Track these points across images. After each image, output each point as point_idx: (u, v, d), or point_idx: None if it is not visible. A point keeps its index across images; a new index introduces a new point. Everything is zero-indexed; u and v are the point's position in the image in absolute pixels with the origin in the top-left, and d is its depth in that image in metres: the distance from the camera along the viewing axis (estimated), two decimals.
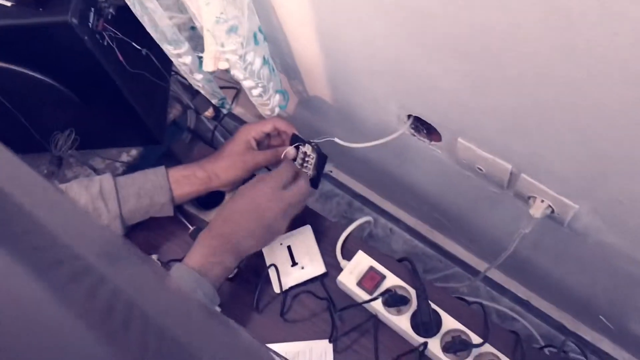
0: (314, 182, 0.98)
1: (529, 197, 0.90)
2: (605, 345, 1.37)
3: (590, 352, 0.84)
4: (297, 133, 0.97)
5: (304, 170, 0.95)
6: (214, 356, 0.18)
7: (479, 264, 1.54)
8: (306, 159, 0.97)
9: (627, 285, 0.97)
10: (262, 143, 0.99)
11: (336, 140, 0.97)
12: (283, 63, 1.09)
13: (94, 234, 0.21)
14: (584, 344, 1.38)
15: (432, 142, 0.99)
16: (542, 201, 0.87)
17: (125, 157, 1.17)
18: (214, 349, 0.18)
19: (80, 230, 0.20)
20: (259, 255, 0.97)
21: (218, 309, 0.87)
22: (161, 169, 0.94)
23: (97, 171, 1.15)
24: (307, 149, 0.97)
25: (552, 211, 0.87)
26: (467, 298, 0.99)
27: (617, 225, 0.81)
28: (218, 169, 0.94)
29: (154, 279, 0.21)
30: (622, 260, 0.90)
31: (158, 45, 0.93)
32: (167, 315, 0.18)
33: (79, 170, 1.15)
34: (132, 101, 0.98)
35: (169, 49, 0.91)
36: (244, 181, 0.93)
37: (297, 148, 0.96)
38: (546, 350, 0.93)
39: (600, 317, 1.23)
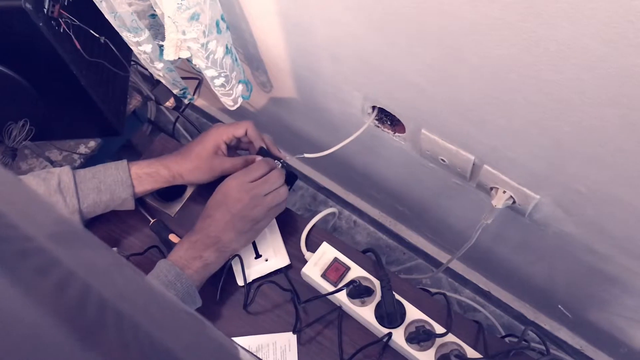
0: None
1: (491, 188, 0.91)
2: (563, 333, 1.41)
3: (549, 341, 0.85)
4: (264, 147, 0.95)
5: None
6: (185, 346, 0.17)
7: (442, 256, 1.56)
8: None
9: (584, 274, 1.00)
10: (231, 145, 0.97)
11: (306, 155, 0.98)
12: (246, 53, 1.08)
13: (47, 215, 0.20)
14: (543, 333, 1.41)
15: (397, 134, 0.99)
16: (504, 192, 0.88)
17: (83, 149, 1.14)
18: (183, 339, 0.18)
19: (31, 211, 0.19)
20: None
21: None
22: (123, 164, 0.91)
23: (53, 163, 1.12)
24: (277, 165, 0.94)
25: (514, 202, 0.89)
26: (430, 289, 0.99)
27: (577, 215, 0.82)
28: (183, 171, 0.92)
29: (115, 263, 0.20)
30: (580, 250, 0.92)
31: (117, 33, 0.90)
32: (129, 302, 0.17)
33: (34, 163, 1.11)
34: (90, 91, 0.96)
35: (128, 37, 0.89)
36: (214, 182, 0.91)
37: None
38: (507, 339, 0.94)
39: (559, 306, 1.26)
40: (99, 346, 0.16)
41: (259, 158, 0.93)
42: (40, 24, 0.80)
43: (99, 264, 0.19)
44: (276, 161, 0.94)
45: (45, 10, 0.81)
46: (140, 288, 0.20)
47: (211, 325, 0.27)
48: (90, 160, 1.14)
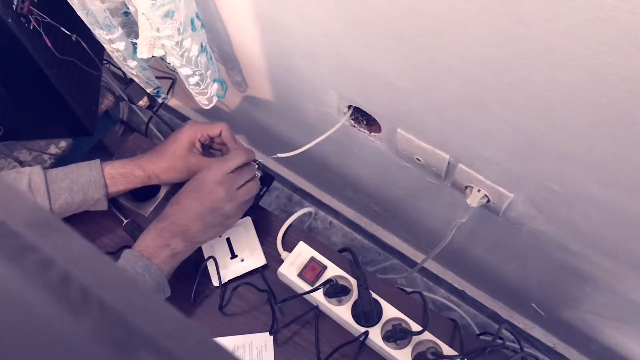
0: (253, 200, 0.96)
1: (466, 187, 0.91)
2: (537, 332, 1.43)
3: (522, 339, 0.87)
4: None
5: None
6: (167, 334, 0.17)
7: (417, 256, 1.57)
8: None
9: (557, 272, 1.01)
10: (204, 145, 0.96)
11: (279, 155, 0.98)
12: (221, 52, 1.07)
13: (21, 203, 0.19)
14: (517, 331, 1.43)
15: (372, 133, 0.99)
16: (479, 191, 0.89)
17: (53, 149, 1.12)
18: (165, 327, 0.17)
19: (4, 199, 0.18)
20: (197, 248, 0.94)
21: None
22: (96, 164, 0.89)
23: (22, 164, 1.10)
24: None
25: (488, 200, 0.89)
26: (405, 288, 1.00)
27: (550, 213, 0.83)
28: (159, 171, 0.90)
29: (92, 252, 0.19)
30: (553, 248, 0.93)
31: (89, 31, 0.89)
32: (109, 290, 0.17)
33: (2, 163, 1.09)
34: (61, 89, 0.94)
35: (101, 34, 0.87)
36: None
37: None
38: (482, 337, 0.95)
39: (533, 304, 1.28)
40: (87, 321, 0.16)
41: None
42: (9, 21, 0.79)
43: (76, 252, 0.18)
44: (252, 162, 0.93)
45: (14, 7, 0.80)
46: (118, 276, 0.19)
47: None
48: (61, 161, 1.12)
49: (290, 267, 0.90)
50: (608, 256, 0.84)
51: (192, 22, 0.83)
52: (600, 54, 0.51)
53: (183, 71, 0.90)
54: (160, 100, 1.13)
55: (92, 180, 0.87)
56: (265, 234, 0.97)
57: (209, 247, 0.95)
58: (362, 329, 0.85)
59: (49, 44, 0.87)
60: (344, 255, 0.95)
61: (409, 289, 1.02)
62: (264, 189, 0.96)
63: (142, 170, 0.90)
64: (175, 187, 0.99)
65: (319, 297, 0.88)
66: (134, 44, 0.93)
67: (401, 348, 0.84)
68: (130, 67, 0.97)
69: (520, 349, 0.85)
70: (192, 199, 0.84)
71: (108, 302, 0.16)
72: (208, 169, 0.85)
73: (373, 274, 0.95)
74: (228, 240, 0.95)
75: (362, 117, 0.99)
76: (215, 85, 1.00)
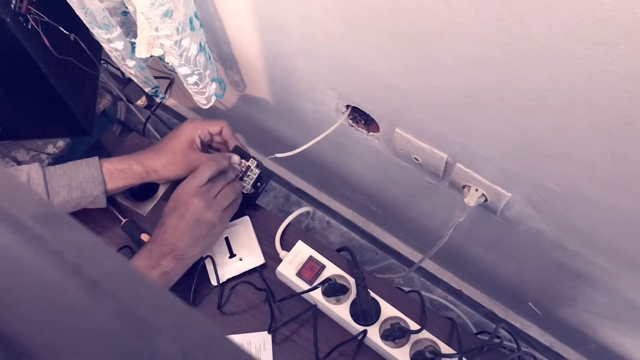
0: (251, 198, 0.97)
1: (464, 187, 0.92)
2: (533, 331, 1.43)
3: (519, 338, 0.87)
4: (239, 146, 0.95)
5: (243, 183, 0.94)
6: (177, 327, 0.17)
7: (414, 255, 1.57)
8: (248, 173, 0.95)
9: (554, 272, 1.01)
10: (204, 142, 0.96)
11: (277, 155, 0.99)
12: (220, 52, 1.07)
13: (28, 197, 0.19)
14: (514, 330, 1.44)
15: (370, 133, 1.00)
16: (476, 190, 0.89)
17: (51, 149, 1.12)
18: (174, 323, 0.17)
19: (12, 192, 0.19)
20: None
21: None
22: (94, 160, 0.89)
23: (20, 163, 1.09)
24: (252, 163, 0.95)
25: (486, 200, 0.90)
26: (403, 288, 1.00)
27: (547, 212, 0.84)
28: (158, 166, 0.90)
29: (99, 244, 0.19)
30: (550, 247, 0.93)
31: (87, 31, 0.89)
32: (118, 282, 0.17)
33: (0, 163, 1.09)
34: (59, 89, 0.94)
35: (99, 34, 0.87)
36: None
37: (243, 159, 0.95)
38: (479, 336, 0.95)
39: (530, 304, 1.28)
40: (106, 300, 0.16)
41: (235, 157, 0.92)
42: (7, 20, 0.78)
43: (85, 245, 0.18)
44: (251, 159, 0.94)
45: (12, 6, 0.80)
46: (128, 270, 0.19)
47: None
48: (59, 160, 1.11)
49: (289, 266, 0.90)
50: (606, 255, 0.85)
51: (190, 21, 0.83)
52: (599, 53, 0.51)
53: (182, 70, 0.90)
54: (158, 100, 1.13)
55: (90, 177, 0.87)
56: (263, 234, 0.97)
57: None
58: (361, 328, 0.86)
59: (47, 44, 0.87)
60: (343, 255, 0.95)
61: (406, 289, 1.02)
62: (263, 186, 0.97)
63: (141, 166, 0.90)
64: (174, 187, 0.99)
65: (317, 296, 0.88)
66: (133, 44, 0.93)
67: (399, 347, 0.85)
68: (129, 67, 0.97)
69: (518, 348, 0.86)
70: (173, 216, 0.84)
71: (118, 295, 0.17)
72: (183, 184, 0.86)
73: (371, 273, 0.95)
74: (227, 239, 0.95)
75: (360, 117, 1.00)
76: (214, 85, 1.00)
